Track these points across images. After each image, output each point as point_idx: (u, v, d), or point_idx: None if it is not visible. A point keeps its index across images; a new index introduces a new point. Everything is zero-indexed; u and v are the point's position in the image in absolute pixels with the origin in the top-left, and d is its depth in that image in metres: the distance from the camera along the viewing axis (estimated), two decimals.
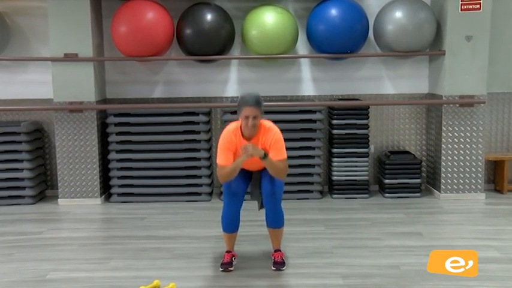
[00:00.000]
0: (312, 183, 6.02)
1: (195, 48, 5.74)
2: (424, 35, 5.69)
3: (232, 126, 3.92)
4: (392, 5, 5.75)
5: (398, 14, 5.64)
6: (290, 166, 5.69)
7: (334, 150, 6.00)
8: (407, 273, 3.92)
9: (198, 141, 5.97)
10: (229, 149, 3.84)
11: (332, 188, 6.08)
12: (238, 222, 4.06)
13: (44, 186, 6.30)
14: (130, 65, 6.24)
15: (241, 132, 3.86)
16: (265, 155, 3.73)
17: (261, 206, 4.10)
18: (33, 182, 5.98)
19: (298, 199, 5.96)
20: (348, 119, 5.94)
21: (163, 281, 3.78)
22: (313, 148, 5.97)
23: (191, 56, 5.86)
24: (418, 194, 6.00)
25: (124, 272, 4.06)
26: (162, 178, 6.01)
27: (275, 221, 4.03)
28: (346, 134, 5.96)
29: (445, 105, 5.84)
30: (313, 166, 5.98)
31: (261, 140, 3.84)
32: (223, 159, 3.82)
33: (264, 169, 3.95)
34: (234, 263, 4.09)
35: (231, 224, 4.05)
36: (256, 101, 3.78)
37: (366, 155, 6.00)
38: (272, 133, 3.85)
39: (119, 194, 6.04)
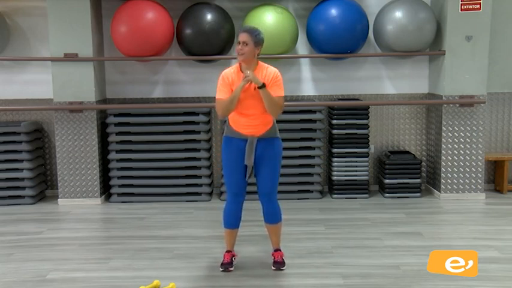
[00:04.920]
0: (312, 183, 6.02)
1: (195, 48, 5.74)
2: (424, 35, 5.69)
3: (233, 66, 3.99)
4: (392, 5, 5.75)
5: (398, 14, 5.64)
6: (290, 166, 5.81)
7: (334, 150, 6.00)
8: (407, 273, 3.92)
9: (198, 141, 5.97)
10: (228, 85, 3.87)
11: (332, 188, 6.08)
12: (240, 219, 4.06)
13: (44, 186, 6.30)
14: (130, 65, 6.25)
15: (241, 70, 3.89)
16: (263, 85, 3.77)
17: (251, 174, 4.04)
18: (33, 182, 5.98)
19: (298, 199, 5.96)
20: (348, 119, 5.94)
21: (163, 281, 3.78)
22: (313, 148, 5.97)
23: (191, 56, 5.86)
24: (418, 194, 6.00)
25: (124, 272, 4.06)
26: (162, 178, 6.01)
27: (272, 216, 4.03)
28: (346, 134, 5.96)
29: (445, 105, 5.84)
30: (313, 166, 5.98)
31: (260, 76, 3.85)
32: (222, 93, 3.85)
33: (260, 159, 3.89)
34: (234, 262, 4.09)
35: (232, 220, 4.04)
36: (250, 29, 3.86)
37: (366, 155, 6.00)
38: (272, 71, 3.89)
39: (119, 194, 6.04)
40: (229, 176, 3.98)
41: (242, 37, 3.82)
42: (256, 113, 3.87)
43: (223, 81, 3.89)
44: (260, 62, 3.94)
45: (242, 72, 3.87)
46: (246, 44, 3.80)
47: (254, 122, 3.89)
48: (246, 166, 3.95)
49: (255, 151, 3.90)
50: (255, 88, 3.81)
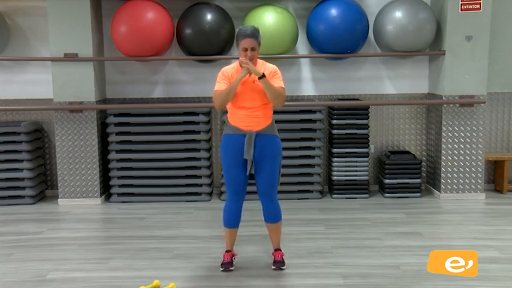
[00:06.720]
0: (312, 183, 6.02)
1: (195, 48, 5.74)
2: (424, 35, 5.69)
3: (233, 64, 4.01)
4: (392, 5, 5.75)
5: (398, 14, 5.64)
6: (290, 166, 5.81)
7: (334, 150, 6.00)
8: (407, 273, 3.92)
9: (198, 141, 5.97)
10: (226, 78, 3.89)
11: (332, 188, 6.08)
12: (239, 218, 4.05)
13: (44, 186, 6.30)
14: (130, 65, 6.25)
15: (241, 67, 3.90)
16: (263, 75, 3.78)
17: (251, 168, 4.02)
18: (33, 182, 5.98)
19: (298, 199, 5.96)
20: (348, 119, 5.94)
21: (163, 281, 3.78)
22: (313, 148, 5.97)
23: (191, 56, 5.86)
24: (418, 194, 6.00)
25: (124, 272, 4.06)
26: (162, 178, 6.01)
27: (272, 215, 4.02)
28: (346, 134, 5.96)
29: (445, 105, 5.84)
30: (313, 166, 5.98)
31: (260, 70, 3.86)
32: (220, 85, 3.87)
33: (260, 148, 3.87)
34: (234, 262, 4.08)
35: (232, 219, 4.03)
36: (253, 33, 3.84)
37: (366, 155, 6.00)
38: (271, 66, 3.93)
39: (119, 194, 6.04)
40: (228, 174, 3.97)
41: (249, 43, 3.80)
42: (255, 106, 3.87)
43: (223, 74, 3.92)
44: (258, 59, 3.95)
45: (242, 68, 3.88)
46: (254, 49, 3.82)
47: (253, 115, 3.88)
48: (246, 163, 3.93)
49: (254, 148, 3.88)
50: (254, 81, 3.83)
